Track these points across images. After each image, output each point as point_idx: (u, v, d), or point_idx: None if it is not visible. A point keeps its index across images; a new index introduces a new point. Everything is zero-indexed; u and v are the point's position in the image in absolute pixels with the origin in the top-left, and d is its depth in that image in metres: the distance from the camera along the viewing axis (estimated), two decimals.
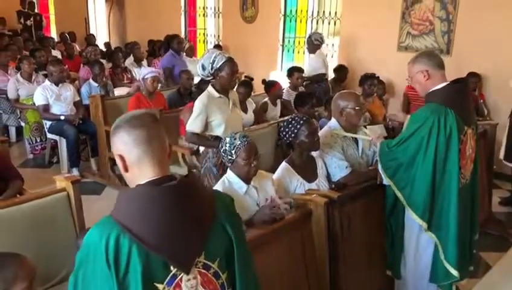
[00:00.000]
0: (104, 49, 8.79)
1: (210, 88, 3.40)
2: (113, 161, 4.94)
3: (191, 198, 1.32)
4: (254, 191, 2.61)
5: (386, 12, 6.15)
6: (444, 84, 2.62)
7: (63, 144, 5.20)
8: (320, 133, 3.07)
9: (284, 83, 5.71)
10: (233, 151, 2.52)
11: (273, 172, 2.93)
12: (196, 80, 5.51)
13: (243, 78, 5.94)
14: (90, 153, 5.39)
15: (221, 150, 2.58)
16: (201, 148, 3.57)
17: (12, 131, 6.23)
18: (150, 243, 1.23)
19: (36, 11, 11.90)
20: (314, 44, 6.13)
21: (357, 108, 3.05)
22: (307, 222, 2.55)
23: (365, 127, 3.32)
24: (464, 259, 2.71)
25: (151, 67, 6.73)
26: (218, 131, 3.35)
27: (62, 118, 5.11)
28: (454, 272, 2.62)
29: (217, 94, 3.37)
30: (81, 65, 6.97)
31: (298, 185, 2.87)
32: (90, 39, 9.57)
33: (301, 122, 2.89)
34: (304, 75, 5.72)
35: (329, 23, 7.18)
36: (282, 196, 2.74)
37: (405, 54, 5.92)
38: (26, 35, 9.73)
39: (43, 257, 2.39)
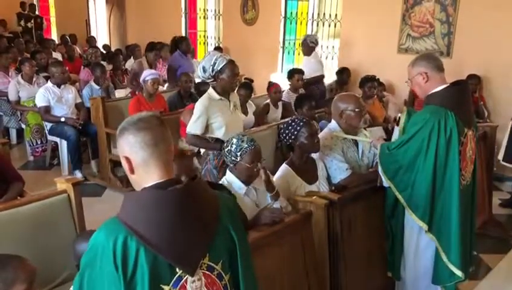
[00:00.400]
0: (104, 51, 8.80)
1: (211, 90, 3.41)
2: (113, 163, 4.95)
3: (196, 201, 1.34)
4: (254, 192, 2.61)
5: (386, 14, 6.16)
6: (444, 86, 2.62)
7: (63, 146, 5.20)
8: (320, 135, 3.07)
9: (285, 84, 5.73)
10: (238, 153, 2.52)
11: (274, 174, 2.93)
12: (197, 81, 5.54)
13: (243, 80, 5.96)
14: (90, 155, 5.39)
15: (226, 150, 2.58)
16: (202, 150, 3.58)
17: (13, 133, 6.23)
18: (156, 245, 1.24)
19: (37, 13, 11.93)
20: (310, 46, 6.16)
21: (356, 110, 3.05)
22: (307, 224, 2.55)
23: (365, 129, 3.32)
24: (465, 259, 2.71)
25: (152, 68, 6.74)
26: (219, 133, 3.35)
27: (63, 119, 5.11)
28: (459, 273, 2.62)
29: (217, 96, 3.37)
30: (82, 67, 6.98)
31: (298, 186, 2.87)
32: (90, 41, 9.60)
33: (301, 124, 2.90)
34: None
35: (329, 25, 7.20)
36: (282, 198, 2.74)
37: (405, 56, 5.93)
38: (27, 38, 9.74)
39: (44, 259, 2.39)
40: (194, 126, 3.34)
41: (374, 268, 2.93)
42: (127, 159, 1.35)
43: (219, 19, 8.73)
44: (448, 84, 2.64)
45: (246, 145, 2.52)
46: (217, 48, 7.72)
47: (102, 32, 11.03)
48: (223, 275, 1.38)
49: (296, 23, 7.58)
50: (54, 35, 11.79)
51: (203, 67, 3.37)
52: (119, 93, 6.14)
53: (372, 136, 3.07)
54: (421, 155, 2.58)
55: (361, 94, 4.89)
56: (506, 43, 5.28)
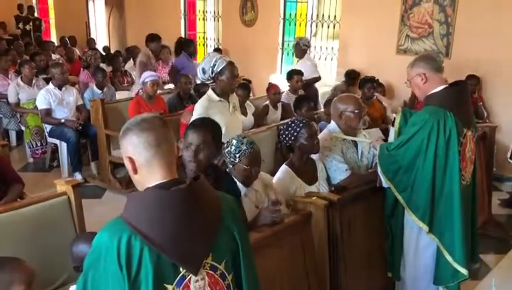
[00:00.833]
0: (103, 53, 8.81)
1: (210, 92, 3.42)
2: (113, 165, 4.95)
3: (199, 201, 1.35)
4: (254, 193, 2.61)
5: (385, 15, 6.17)
6: (443, 86, 2.63)
7: (63, 148, 5.20)
8: (320, 136, 3.08)
9: (284, 86, 5.74)
10: (237, 155, 2.52)
11: (273, 175, 2.94)
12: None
13: (241, 81, 5.96)
14: (90, 157, 5.39)
15: (225, 151, 2.59)
16: None
17: (13, 135, 6.23)
18: (160, 245, 1.25)
19: (36, 15, 11.93)
20: (302, 49, 6.18)
21: (356, 111, 3.06)
22: (307, 225, 2.55)
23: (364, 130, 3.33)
24: (468, 258, 2.72)
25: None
26: None
27: (62, 121, 5.11)
28: (464, 271, 2.62)
29: (217, 98, 3.38)
30: (81, 69, 6.99)
31: (298, 187, 2.87)
32: (90, 43, 9.60)
33: (301, 125, 2.90)
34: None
35: (328, 27, 7.21)
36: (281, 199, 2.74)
37: (404, 56, 5.94)
38: (27, 40, 9.75)
39: (44, 261, 2.40)
40: None
41: (373, 269, 2.93)
42: (130, 160, 1.36)
43: (218, 21, 8.75)
44: (447, 85, 2.65)
45: (245, 148, 2.52)
46: (217, 50, 7.73)
47: (101, 34, 11.04)
48: (226, 274, 1.39)
49: (295, 25, 7.59)
50: (54, 38, 11.80)
51: (203, 69, 3.38)
52: (119, 95, 6.13)
53: (371, 138, 3.08)
54: (420, 155, 2.58)
55: (360, 95, 4.90)
56: (505, 43, 5.29)
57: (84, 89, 6.09)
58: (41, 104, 5.16)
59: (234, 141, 2.57)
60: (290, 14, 7.60)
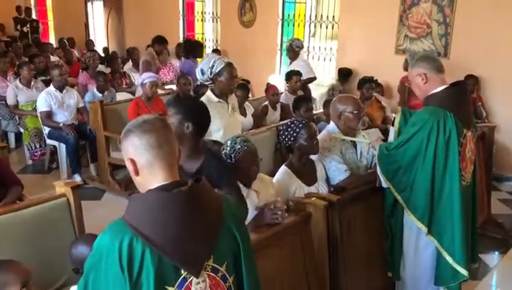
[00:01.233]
0: (102, 55, 8.80)
1: (209, 93, 3.42)
2: (112, 166, 4.95)
3: (201, 203, 1.35)
4: (254, 194, 2.61)
5: (383, 15, 6.18)
6: (443, 87, 2.63)
7: (62, 150, 5.19)
8: (319, 136, 3.07)
9: (283, 86, 5.75)
10: (232, 155, 2.53)
11: (273, 176, 2.94)
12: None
13: (240, 81, 5.97)
14: (89, 159, 5.38)
15: (223, 153, 2.59)
16: None
17: (12, 137, 6.22)
18: (161, 246, 1.25)
19: (34, 17, 11.93)
20: (295, 51, 6.18)
21: (355, 112, 3.06)
22: (307, 225, 2.55)
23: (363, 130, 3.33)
24: (468, 258, 2.71)
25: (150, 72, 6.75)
26: (217, 135, 3.35)
27: (61, 125, 5.11)
28: (465, 272, 2.62)
29: (216, 99, 3.38)
30: (80, 70, 6.99)
31: (297, 188, 2.87)
32: (88, 45, 9.59)
33: (300, 125, 2.90)
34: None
35: (326, 27, 7.21)
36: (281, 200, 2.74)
37: (403, 57, 5.96)
38: (25, 42, 9.73)
39: (43, 263, 2.40)
40: None
41: (373, 269, 2.93)
42: (132, 161, 1.35)
43: (217, 22, 8.75)
44: (447, 85, 2.65)
45: (239, 146, 2.53)
46: (215, 51, 7.73)
47: (100, 35, 11.03)
48: (227, 276, 1.39)
49: (293, 25, 7.59)
50: (52, 39, 11.80)
51: (201, 70, 3.38)
52: (118, 96, 6.12)
53: (369, 138, 3.08)
54: (420, 156, 2.58)
55: (359, 95, 4.90)
56: (503, 43, 5.30)
57: (83, 91, 6.08)
58: (42, 107, 5.14)
59: (228, 142, 2.58)
60: (289, 15, 7.61)
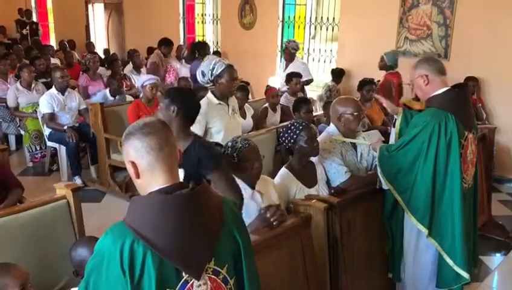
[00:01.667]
0: (103, 57, 8.81)
1: (210, 95, 3.42)
2: (113, 169, 4.95)
3: (202, 206, 1.35)
4: (258, 196, 2.61)
5: (383, 17, 6.19)
6: (445, 89, 2.63)
7: (62, 152, 5.19)
8: (319, 138, 3.08)
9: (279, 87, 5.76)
10: (234, 154, 2.53)
11: (273, 178, 2.93)
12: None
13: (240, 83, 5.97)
14: (90, 161, 5.38)
15: (224, 154, 2.60)
16: None
17: (12, 139, 6.22)
18: (162, 249, 1.25)
19: (34, 19, 11.94)
20: (291, 52, 6.19)
21: (355, 114, 3.06)
22: (307, 227, 2.55)
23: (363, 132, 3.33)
24: (469, 261, 2.71)
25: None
26: (218, 137, 3.35)
27: (65, 127, 5.11)
28: (466, 275, 2.62)
29: (216, 101, 3.38)
30: (80, 73, 6.99)
31: (298, 190, 2.87)
32: (89, 47, 9.60)
33: (300, 127, 2.90)
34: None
35: (327, 29, 7.22)
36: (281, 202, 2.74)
37: (403, 58, 5.95)
38: (26, 44, 9.74)
39: (44, 265, 2.40)
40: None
41: (374, 270, 2.93)
42: (133, 164, 1.35)
43: (217, 24, 8.76)
44: (449, 87, 2.65)
45: (240, 145, 2.54)
46: (216, 53, 7.74)
47: (100, 37, 11.05)
48: (228, 279, 1.39)
49: (293, 27, 7.61)
50: (53, 41, 11.81)
51: (202, 72, 3.39)
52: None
53: (370, 140, 3.08)
54: (421, 157, 2.58)
55: (359, 97, 4.90)
56: (503, 45, 5.30)
57: (84, 93, 6.08)
58: (45, 109, 5.14)
59: (229, 143, 2.60)
60: (289, 17, 7.62)
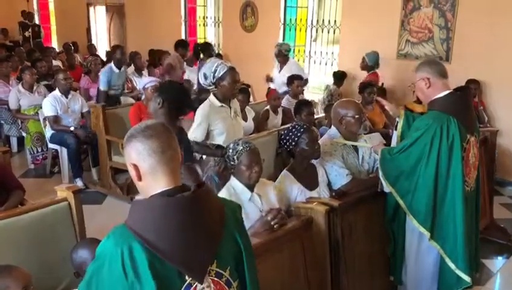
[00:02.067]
0: (104, 59, 8.82)
1: (212, 97, 3.42)
2: (114, 171, 4.95)
3: (204, 208, 1.35)
4: (258, 198, 2.61)
5: (385, 20, 6.19)
6: (447, 92, 2.63)
7: (64, 154, 5.19)
8: (320, 141, 3.08)
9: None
10: (235, 157, 2.53)
11: (274, 180, 2.93)
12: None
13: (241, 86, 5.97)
14: (91, 163, 5.38)
15: (226, 156, 2.60)
16: (204, 157, 3.58)
17: (14, 141, 6.23)
18: (164, 252, 1.25)
19: (36, 22, 11.97)
20: (284, 54, 6.19)
21: (356, 116, 3.06)
22: (308, 230, 2.54)
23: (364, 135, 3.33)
24: (470, 265, 2.71)
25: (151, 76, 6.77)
26: (220, 140, 3.36)
27: (72, 128, 5.11)
28: (467, 279, 2.62)
29: (218, 103, 3.39)
30: (82, 75, 7.00)
31: (299, 193, 2.87)
32: (90, 49, 9.62)
33: (302, 130, 2.90)
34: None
35: (328, 32, 7.23)
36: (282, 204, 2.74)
37: (404, 61, 5.96)
38: (28, 46, 9.77)
39: (45, 267, 2.40)
40: (195, 133, 3.35)
41: (375, 273, 2.92)
42: (135, 167, 1.35)
43: (219, 26, 8.78)
44: (451, 90, 2.65)
45: (241, 148, 2.54)
46: (217, 55, 7.74)
47: (102, 40, 11.07)
48: (231, 281, 1.38)
49: (295, 30, 7.61)
50: (55, 44, 11.84)
51: (204, 74, 3.40)
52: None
53: (371, 143, 3.08)
54: (422, 160, 2.58)
55: (360, 100, 4.90)
56: (504, 48, 5.30)
57: (85, 95, 6.09)
58: (48, 111, 5.13)
59: (231, 145, 2.60)
60: (290, 20, 7.62)
